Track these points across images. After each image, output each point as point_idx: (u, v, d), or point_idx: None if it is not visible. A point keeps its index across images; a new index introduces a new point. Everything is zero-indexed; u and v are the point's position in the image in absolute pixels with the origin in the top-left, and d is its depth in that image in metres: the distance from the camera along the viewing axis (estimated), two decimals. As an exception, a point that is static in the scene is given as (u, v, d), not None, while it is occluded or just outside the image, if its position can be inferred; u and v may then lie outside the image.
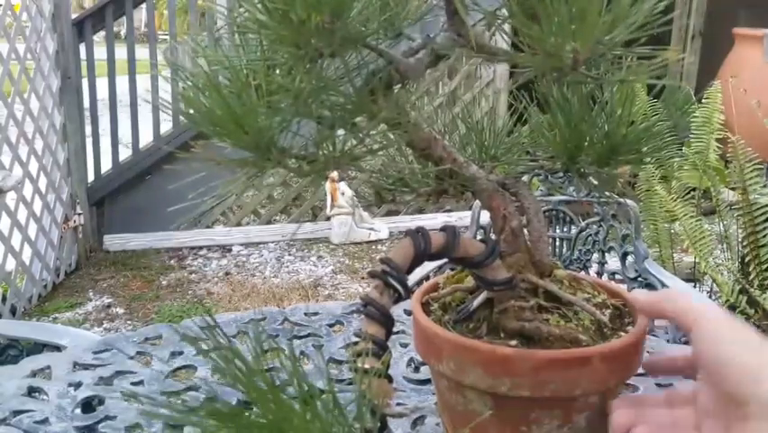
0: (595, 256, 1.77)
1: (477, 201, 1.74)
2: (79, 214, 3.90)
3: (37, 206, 3.45)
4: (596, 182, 0.71)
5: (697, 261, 2.47)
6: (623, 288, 0.71)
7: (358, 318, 1.11)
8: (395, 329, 1.08)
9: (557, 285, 0.67)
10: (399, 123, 0.62)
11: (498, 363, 0.60)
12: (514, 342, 0.63)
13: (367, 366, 0.55)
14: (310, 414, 0.46)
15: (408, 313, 1.15)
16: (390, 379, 0.56)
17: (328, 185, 4.27)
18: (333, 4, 0.52)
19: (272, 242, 4.28)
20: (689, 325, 0.56)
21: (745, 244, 2.35)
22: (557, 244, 1.80)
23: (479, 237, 1.64)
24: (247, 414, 0.47)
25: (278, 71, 0.58)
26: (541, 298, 0.66)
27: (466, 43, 0.59)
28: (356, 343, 0.57)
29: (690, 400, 0.59)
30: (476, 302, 0.67)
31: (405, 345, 1.03)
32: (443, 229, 0.64)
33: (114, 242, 4.10)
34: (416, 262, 0.63)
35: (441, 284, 0.74)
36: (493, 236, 0.70)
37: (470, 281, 0.70)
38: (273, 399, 0.46)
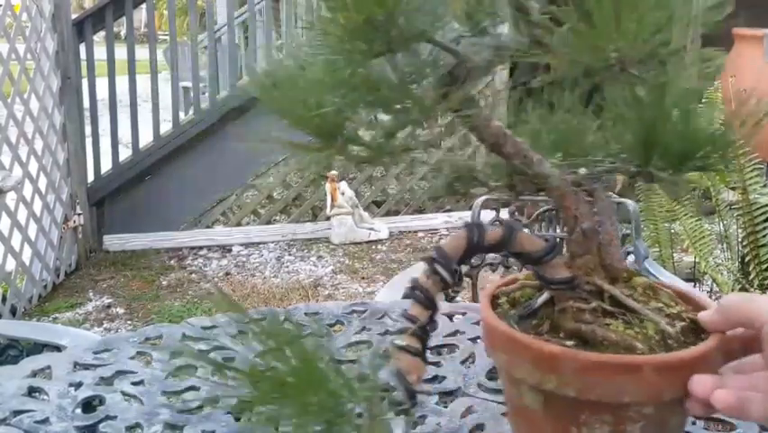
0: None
1: (477, 201, 1.74)
2: (79, 214, 3.90)
3: (37, 206, 3.45)
4: (667, 186, 0.69)
5: (697, 260, 2.47)
6: (712, 302, 0.67)
7: (358, 318, 1.11)
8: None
9: (630, 292, 0.66)
10: (469, 116, 0.64)
11: (546, 360, 0.61)
12: (570, 342, 0.64)
13: (403, 343, 0.59)
14: (341, 378, 0.50)
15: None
16: (425, 359, 0.59)
17: (328, 185, 4.27)
18: (389, 3, 0.55)
19: (272, 242, 4.28)
20: (761, 323, 0.58)
21: (745, 243, 2.35)
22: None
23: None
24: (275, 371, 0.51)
25: (342, 65, 0.61)
26: (606, 302, 0.65)
27: (528, 40, 0.59)
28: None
29: (762, 365, 0.60)
30: (540, 300, 0.68)
31: (405, 345, 1.03)
32: (501, 223, 0.67)
33: (113, 242, 4.10)
34: (468, 253, 0.65)
35: (521, 279, 0.75)
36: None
37: None
38: (301, 356, 0.51)
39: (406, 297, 0.63)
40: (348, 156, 0.64)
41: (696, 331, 0.65)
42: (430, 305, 0.61)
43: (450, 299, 0.60)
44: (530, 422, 0.67)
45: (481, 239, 0.65)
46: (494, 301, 0.71)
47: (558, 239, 1.82)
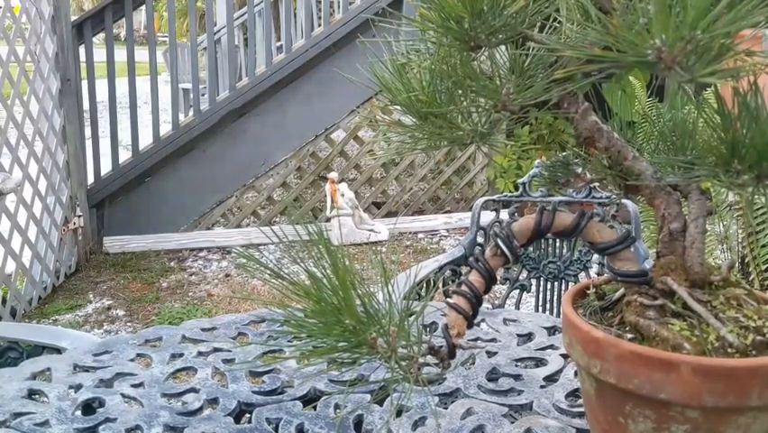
0: (595, 257, 1.77)
1: (477, 202, 1.74)
2: (79, 216, 3.90)
3: (37, 208, 3.45)
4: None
5: (697, 261, 2.46)
6: None
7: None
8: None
9: (709, 298, 0.65)
10: (568, 110, 0.66)
11: (591, 343, 0.64)
12: (630, 335, 0.65)
13: (453, 302, 0.65)
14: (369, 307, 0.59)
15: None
16: (470, 322, 0.65)
17: (328, 186, 4.27)
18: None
19: (272, 243, 4.28)
20: None
21: (744, 244, 2.35)
22: (557, 244, 1.80)
23: (479, 238, 1.64)
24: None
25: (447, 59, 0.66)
26: (677, 303, 0.65)
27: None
28: (460, 284, 0.68)
29: None
30: (617, 294, 0.71)
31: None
32: (575, 212, 0.70)
33: (113, 244, 4.10)
34: (535, 235, 0.69)
35: None
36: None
37: None
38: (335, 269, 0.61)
39: (470, 266, 0.68)
40: (443, 136, 0.68)
41: None
42: (488, 276, 0.67)
43: (486, 291, 0.62)
44: (591, 407, 0.72)
45: (550, 223, 0.68)
46: (583, 294, 0.74)
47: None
